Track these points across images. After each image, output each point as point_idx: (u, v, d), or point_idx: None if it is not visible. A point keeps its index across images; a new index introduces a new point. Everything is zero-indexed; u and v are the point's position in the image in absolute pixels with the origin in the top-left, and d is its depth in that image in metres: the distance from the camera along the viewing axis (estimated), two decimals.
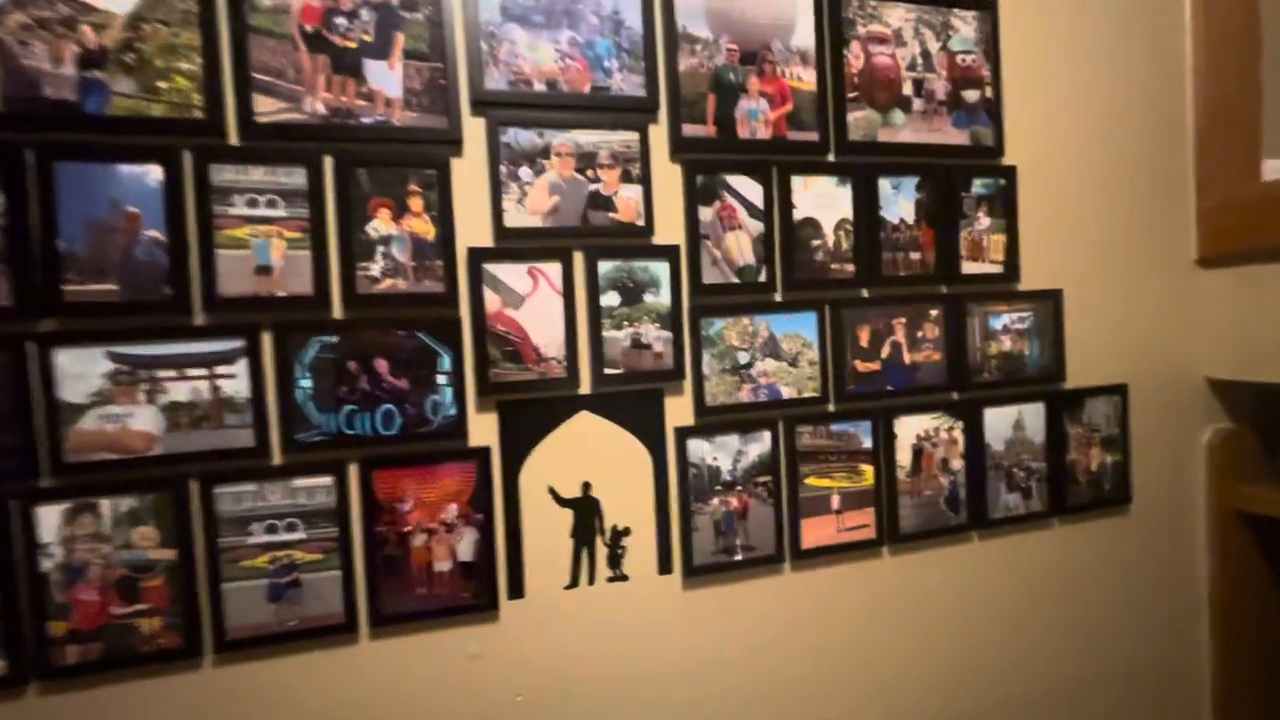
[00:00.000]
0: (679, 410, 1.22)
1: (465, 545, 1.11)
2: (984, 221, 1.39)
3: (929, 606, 1.38)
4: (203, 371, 0.99)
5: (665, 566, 1.22)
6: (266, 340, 1.01)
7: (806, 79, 1.26)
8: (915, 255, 1.34)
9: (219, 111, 0.98)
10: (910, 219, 1.34)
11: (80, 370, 0.95)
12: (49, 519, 0.94)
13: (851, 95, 1.29)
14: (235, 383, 1.00)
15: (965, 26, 1.37)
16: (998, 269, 1.40)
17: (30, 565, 0.94)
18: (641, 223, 1.17)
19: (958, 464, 1.38)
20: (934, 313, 1.35)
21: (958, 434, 1.38)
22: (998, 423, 1.41)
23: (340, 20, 1.03)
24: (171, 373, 0.98)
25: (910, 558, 1.36)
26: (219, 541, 1.01)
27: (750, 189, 1.23)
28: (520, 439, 1.14)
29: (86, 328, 0.95)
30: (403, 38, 1.05)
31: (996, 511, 1.41)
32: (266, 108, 1.00)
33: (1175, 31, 1.55)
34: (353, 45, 1.03)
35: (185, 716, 1.00)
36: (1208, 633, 1.59)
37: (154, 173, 0.96)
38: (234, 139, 0.99)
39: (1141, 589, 1.54)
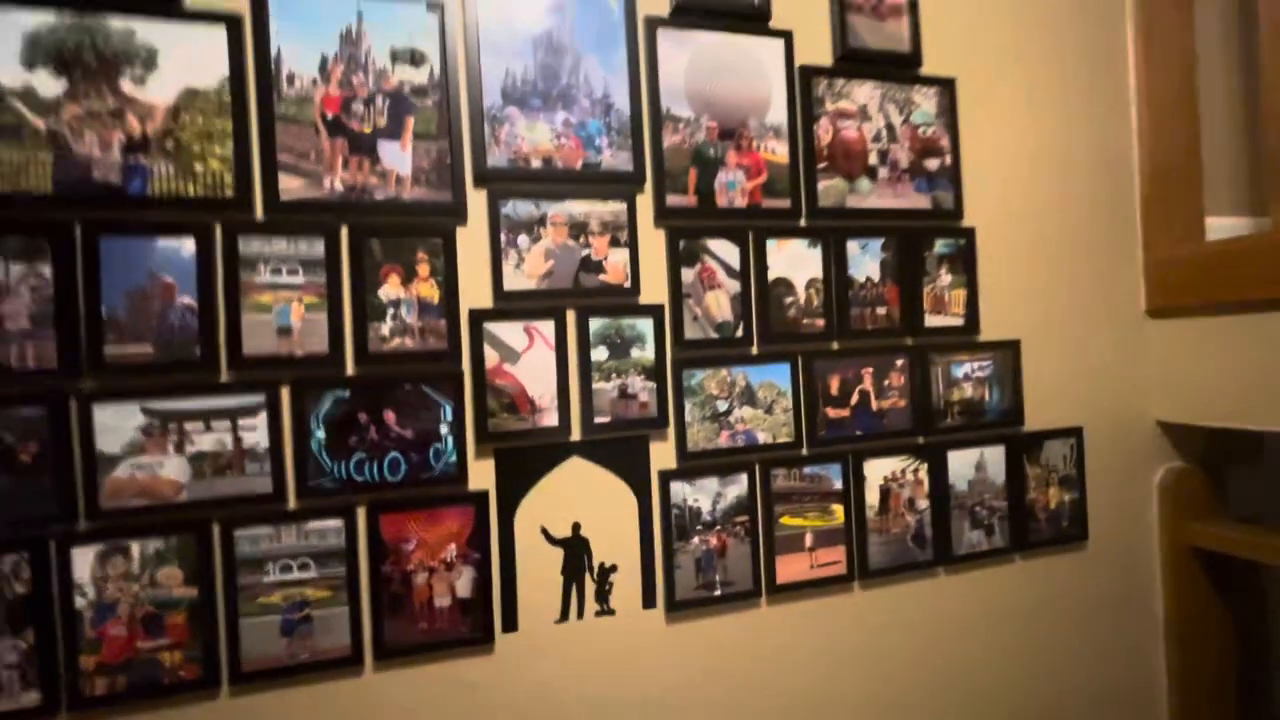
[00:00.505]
0: (663, 455, 1.32)
1: (463, 582, 1.20)
2: (946, 278, 1.50)
3: (898, 638, 1.47)
4: (226, 424, 1.09)
5: (649, 601, 1.31)
6: (285, 395, 1.11)
7: (780, 152, 1.38)
8: (881, 310, 1.45)
9: (247, 190, 1.09)
10: (876, 277, 1.45)
11: (116, 424, 1.04)
12: (84, 560, 1.03)
13: (821, 166, 1.41)
14: (256, 434, 1.10)
15: (926, 101, 1.50)
16: (959, 322, 1.51)
17: (65, 603, 1.03)
18: (628, 284, 1.28)
19: (923, 503, 1.48)
20: (899, 362, 1.46)
21: (923, 475, 1.48)
22: (960, 464, 1.51)
23: (358, 107, 1.15)
24: (198, 425, 1.08)
25: (879, 592, 1.45)
26: (237, 580, 1.09)
27: (728, 252, 1.35)
28: (515, 483, 1.24)
29: (123, 385, 1.05)
30: (413, 121, 1.17)
31: (961, 548, 1.51)
32: (290, 186, 1.11)
33: (1120, 99, 1.69)
34: (368, 130, 1.15)
35: None
36: (1164, 661, 1.68)
37: (188, 245, 1.07)
38: (260, 214, 1.10)
39: (1100, 621, 1.64)
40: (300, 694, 1.13)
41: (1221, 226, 1.72)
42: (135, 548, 1.05)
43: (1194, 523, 1.68)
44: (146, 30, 1.05)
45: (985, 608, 1.54)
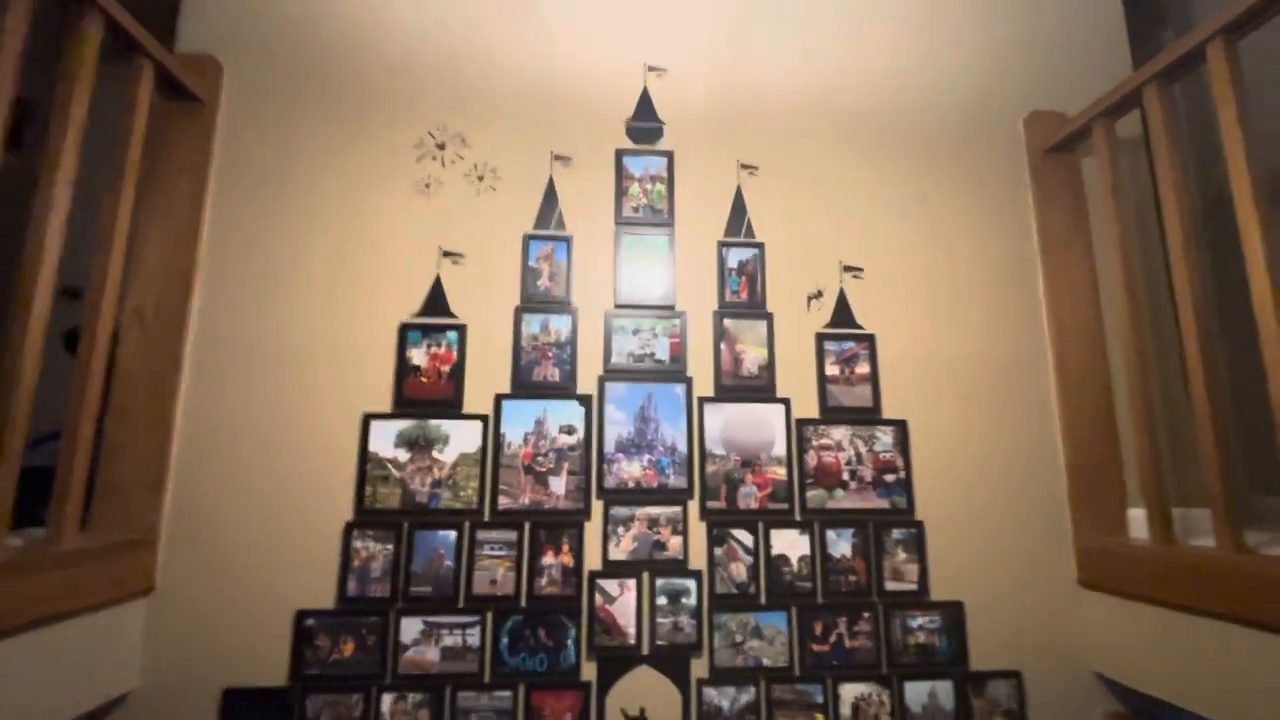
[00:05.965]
0: (699, 668, 2.10)
1: None
2: (901, 555, 2.22)
3: None
4: (460, 632, 2.05)
5: None
6: (489, 617, 2.06)
7: (781, 473, 2.23)
8: (853, 577, 2.19)
9: (482, 505, 2.12)
10: (849, 554, 2.20)
11: (409, 628, 2.03)
12: (386, 701, 1.99)
13: (809, 481, 2.24)
14: (473, 638, 2.04)
15: (885, 436, 2.30)
16: (913, 587, 2.19)
17: None
18: (681, 557, 2.15)
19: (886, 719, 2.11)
20: (866, 614, 2.17)
21: (885, 699, 2.12)
22: (916, 692, 2.13)
23: (539, 458, 2.17)
24: (446, 631, 2.04)
25: None
26: None
27: (745, 537, 2.18)
28: (608, 678, 2.07)
29: (416, 607, 2.05)
30: (567, 465, 2.17)
31: None
32: (503, 502, 2.13)
33: (1046, 413, 2.34)
34: (544, 470, 2.16)
35: None
36: None
37: (452, 535, 2.09)
38: (487, 517, 2.12)
39: None
40: None
41: (1142, 519, 2.27)
42: (410, 696, 2.00)
43: None
44: (447, 426, 2.16)
45: None
